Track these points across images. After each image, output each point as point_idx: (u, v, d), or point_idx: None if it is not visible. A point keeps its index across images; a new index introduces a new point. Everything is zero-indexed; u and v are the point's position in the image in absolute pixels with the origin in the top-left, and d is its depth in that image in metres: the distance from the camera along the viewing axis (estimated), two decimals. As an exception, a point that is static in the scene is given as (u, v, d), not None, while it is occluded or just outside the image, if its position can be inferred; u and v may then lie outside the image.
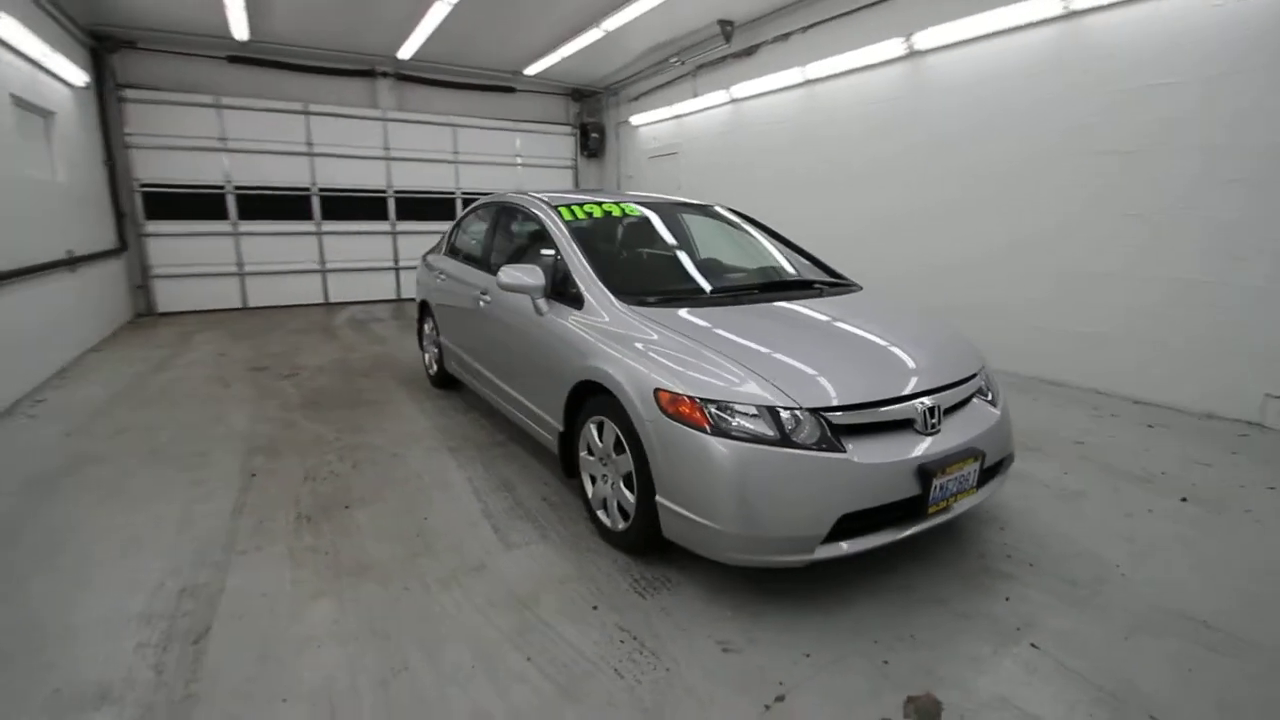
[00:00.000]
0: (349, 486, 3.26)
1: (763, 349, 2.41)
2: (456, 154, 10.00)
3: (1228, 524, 2.80)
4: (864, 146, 6.25)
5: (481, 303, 3.74)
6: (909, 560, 2.51)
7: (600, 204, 3.55)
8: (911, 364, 2.47)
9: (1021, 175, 4.95)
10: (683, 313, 2.69)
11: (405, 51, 8.23)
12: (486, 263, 3.92)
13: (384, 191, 9.57)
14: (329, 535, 2.77)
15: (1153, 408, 4.31)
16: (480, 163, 10.20)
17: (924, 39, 5.45)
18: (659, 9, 6.54)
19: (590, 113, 10.91)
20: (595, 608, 2.25)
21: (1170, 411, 4.22)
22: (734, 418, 2.12)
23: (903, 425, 2.28)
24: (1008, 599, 2.28)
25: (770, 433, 2.10)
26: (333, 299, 9.48)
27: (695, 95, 8.43)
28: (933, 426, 2.30)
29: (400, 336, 7.19)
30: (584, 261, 2.97)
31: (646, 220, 3.62)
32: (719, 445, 2.09)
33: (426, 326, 5.06)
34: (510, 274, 3.03)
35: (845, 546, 2.13)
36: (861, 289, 3.25)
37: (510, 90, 10.18)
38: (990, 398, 2.65)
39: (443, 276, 4.52)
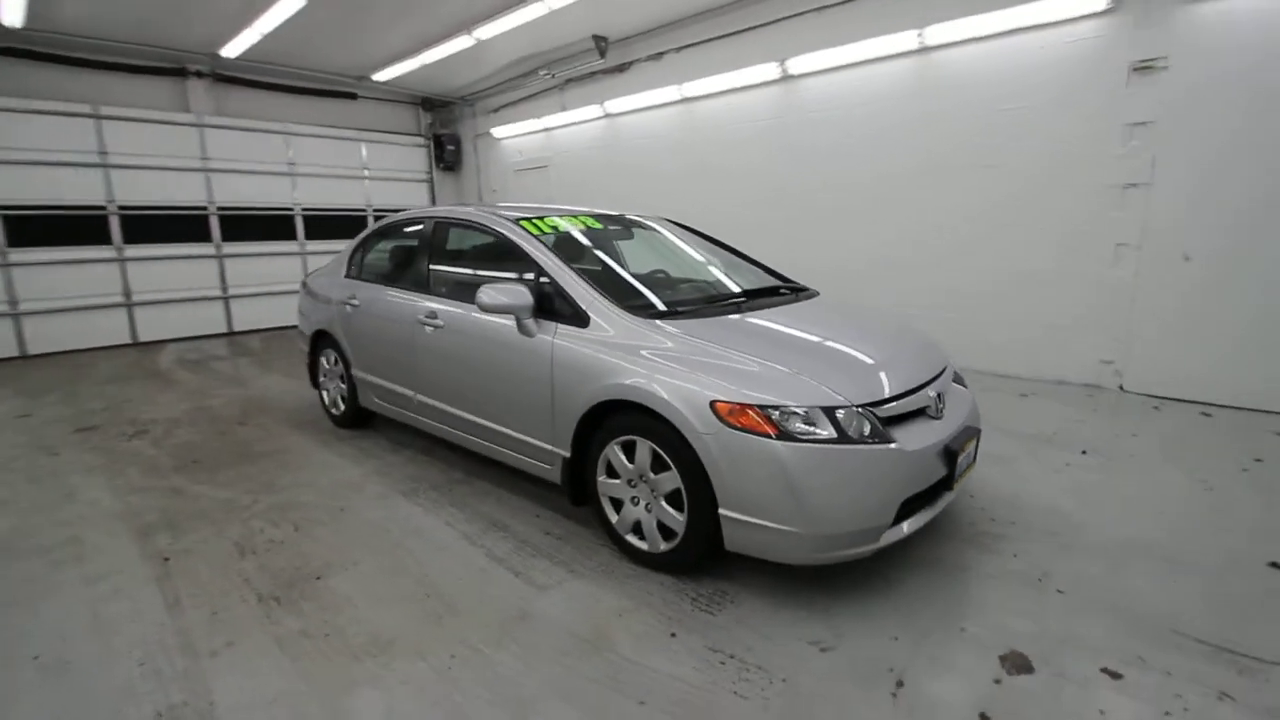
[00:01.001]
0: (304, 554, 2.77)
1: (787, 352, 2.48)
2: (292, 165, 8.91)
3: (1122, 467, 3.43)
4: (742, 161, 6.67)
5: (429, 328, 3.39)
6: (919, 536, 2.72)
7: (559, 217, 3.41)
8: (912, 356, 2.70)
9: (892, 187, 5.62)
10: (690, 323, 2.67)
11: (232, 49, 7.18)
12: (426, 284, 3.56)
13: (204, 208, 8.23)
14: (315, 614, 2.33)
15: (1016, 380, 5.13)
16: (321, 175, 9.19)
17: (797, 64, 5.97)
18: (535, 21, 6.42)
19: (444, 123, 10.35)
20: (673, 635, 2.15)
21: (1030, 382, 5.06)
22: (796, 421, 2.16)
23: (918, 413, 2.48)
24: (1015, 555, 2.58)
25: (830, 432, 2.17)
26: (144, 337, 7.95)
27: (564, 109, 8.40)
28: (940, 411, 2.54)
29: (259, 375, 6.25)
30: (577, 277, 2.83)
31: (605, 233, 3.55)
32: (788, 450, 2.12)
33: (326, 360, 4.46)
34: (491, 295, 2.79)
35: (904, 529, 2.27)
36: (819, 293, 3.47)
37: (353, 96, 9.33)
38: (958, 381, 2.98)
39: (355, 302, 4.02)
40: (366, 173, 9.71)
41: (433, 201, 10.52)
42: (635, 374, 2.44)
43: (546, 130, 8.85)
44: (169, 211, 7.93)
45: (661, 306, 2.82)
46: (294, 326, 9.03)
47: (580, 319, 2.72)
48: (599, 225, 3.52)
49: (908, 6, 5.22)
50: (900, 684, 1.89)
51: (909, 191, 5.53)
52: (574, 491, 2.80)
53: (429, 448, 3.99)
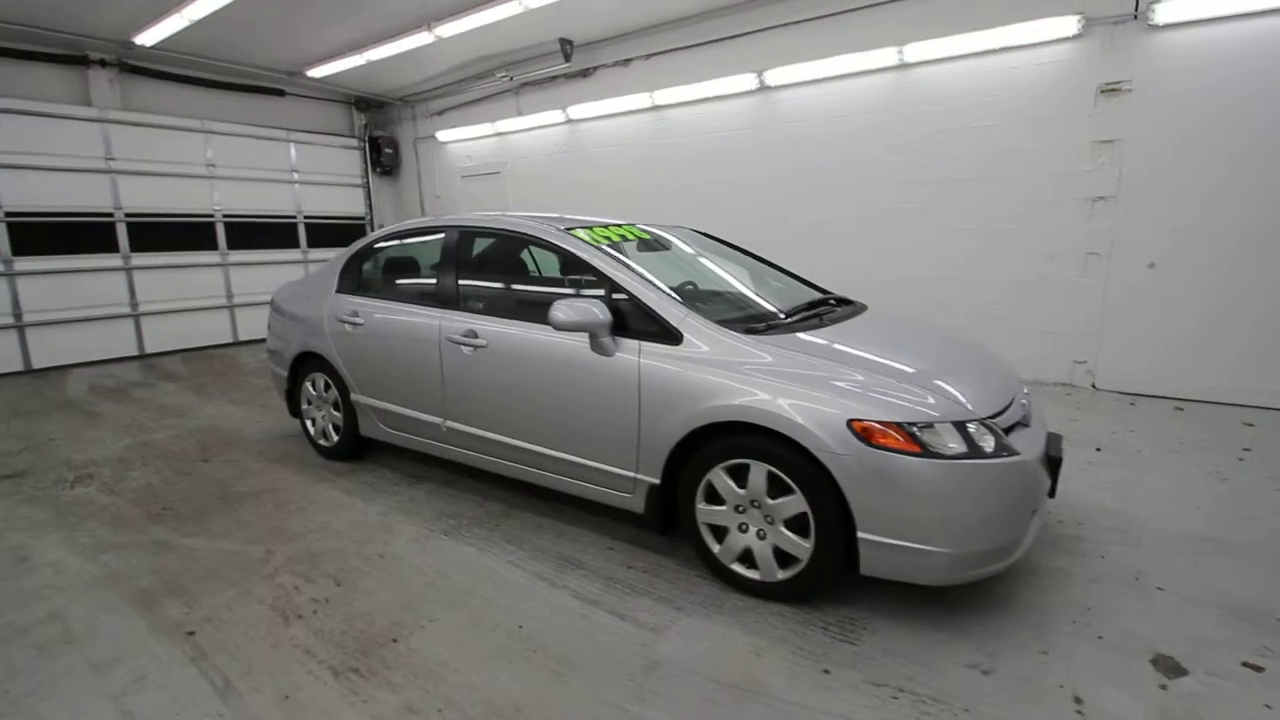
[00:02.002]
0: (363, 613, 2.42)
1: (891, 367, 2.44)
2: (212, 167, 8.04)
3: (1137, 463, 3.66)
4: (717, 172, 6.66)
5: (466, 349, 3.09)
6: (1002, 543, 2.76)
7: (605, 227, 3.23)
8: (998, 366, 2.74)
9: (872, 199, 5.80)
10: (778, 338, 2.56)
11: (149, 37, 6.36)
12: (456, 300, 3.25)
13: (110, 215, 7.25)
14: (411, 684, 2.02)
15: (998, 381, 5.41)
16: (245, 178, 8.35)
17: (774, 76, 6.04)
18: (501, 21, 6.12)
19: (379, 125, 9.71)
20: (826, 671, 2.04)
21: (1012, 382, 5.35)
22: (934, 437, 2.11)
23: (1017, 424, 2.50)
24: (1102, 558, 2.67)
25: (962, 446, 2.13)
26: (39, 364, 6.87)
27: (520, 113, 8.09)
28: (1029, 419, 2.58)
29: (200, 403, 5.54)
30: (659, 291, 2.66)
31: (650, 244, 3.38)
32: (933, 468, 2.06)
33: (312, 386, 3.99)
34: (566, 312, 2.57)
35: (1029, 540, 2.27)
36: (867, 306, 3.45)
37: (280, 93, 8.56)
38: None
39: (356, 320, 3.61)
40: (296, 176, 8.92)
41: (369, 208, 9.83)
42: (751, 394, 2.31)
43: (500, 135, 8.50)
44: (67, 219, 6.92)
45: (746, 322, 2.70)
46: (220, 345, 8.25)
47: (670, 336, 2.54)
48: (647, 236, 3.36)
49: (882, 24, 5.41)
50: (1079, 700, 1.87)
51: (888, 201, 5.72)
52: (664, 519, 2.63)
53: (450, 479, 3.65)
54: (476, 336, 3.07)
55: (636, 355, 2.58)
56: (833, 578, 2.29)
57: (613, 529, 3.01)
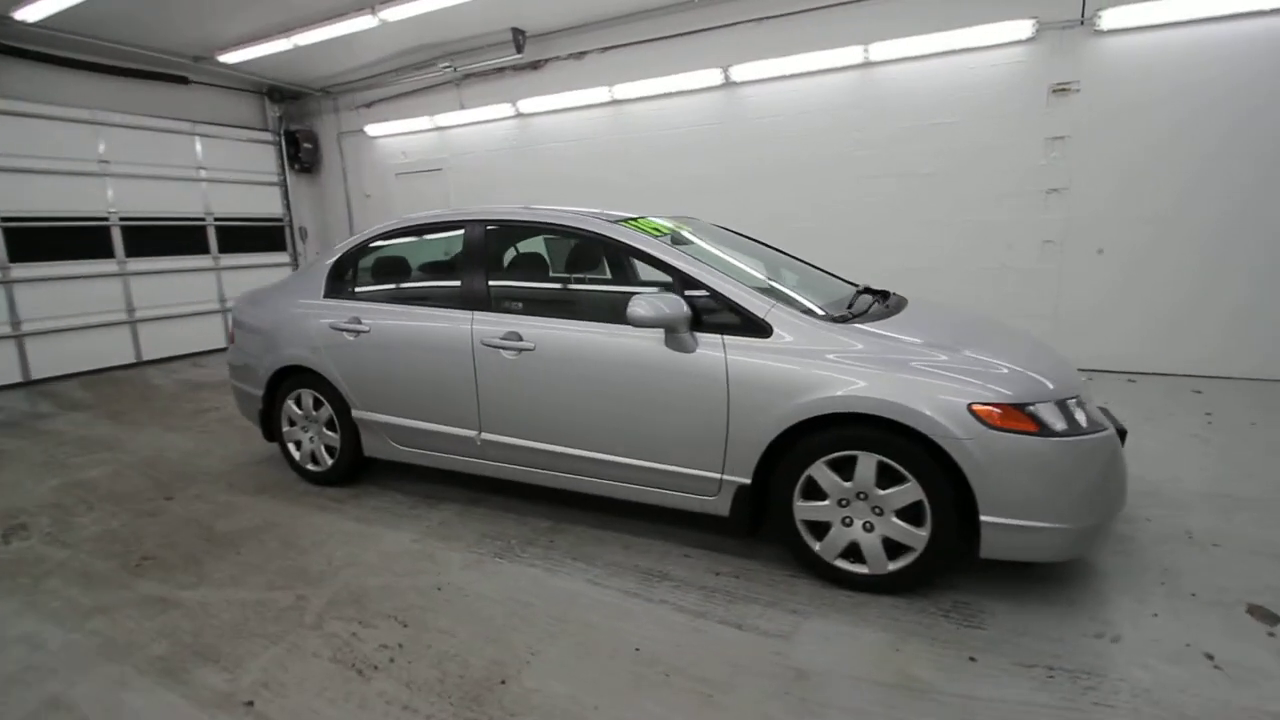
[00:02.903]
0: (451, 655, 2.14)
1: (978, 352, 2.46)
2: (105, 164, 7.03)
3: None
4: (681, 168, 6.60)
5: (507, 353, 2.83)
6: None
7: (647, 219, 3.07)
8: (1052, 350, 2.85)
9: (842, 195, 5.95)
10: (859, 326, 2.53)
11: (31, 12, 5.43)
12: (487, 301, 2.97)
13: (-21, 220, 6.17)
14: (546, 728, 1.81)
15: (968, 363, 5.72)
16: (145, 175, 7.37)
17: (740, 72, 6.06)
18: (451, 6, 5.75)
19: (295, 118, 8.88)
20: (972, 659, 2.02)
21: (980, 364, 5.67)
22: (1048, 417, 2.15)
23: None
24: (1149, 520, 2.84)
25: (1066, 424, 2.19)
26: (-109, 398, 5.73)
27: (462, 107, 7.67)
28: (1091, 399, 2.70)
29: (128, 432, 4.81)
30: (739, 282, 2.55)
31: (676, 237, 3.25)
32: (1051, 446, 2.10)
33: (296, 404, 3.55)
34: (645, 308, 2.41)
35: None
36: (908, 298, 3.45)
37: (183, 81, 7.62)
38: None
39: (361, 327, 3.23)
40: (203, 173, 7.99)
41: (287, 208, 8.99)
42: (854, 384, 2.25)
43: (440, 130, 8.01)
44: (-77, 223, 5.81)
45: (825, 311, 2.63)
46: (123, 366, 7.23)
47: (758, 328, 2.44)
48: (669, 229, 3.21)
49: (847, 23, 5.56)
50: (1210, 656, 1.96)
51: (858, 196, 5.89)
52: (753, 520, 2.53)
53: (475, 497, 3.35)
54: (520, 339, 2.82)
55: (721, 350, 2.46)
56: (948, 564, 2.28)
57: (679, 535, 2.87)
